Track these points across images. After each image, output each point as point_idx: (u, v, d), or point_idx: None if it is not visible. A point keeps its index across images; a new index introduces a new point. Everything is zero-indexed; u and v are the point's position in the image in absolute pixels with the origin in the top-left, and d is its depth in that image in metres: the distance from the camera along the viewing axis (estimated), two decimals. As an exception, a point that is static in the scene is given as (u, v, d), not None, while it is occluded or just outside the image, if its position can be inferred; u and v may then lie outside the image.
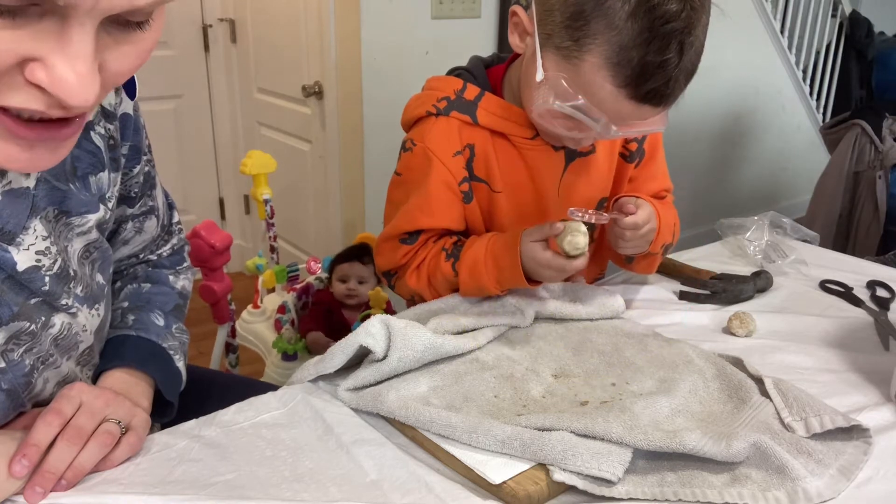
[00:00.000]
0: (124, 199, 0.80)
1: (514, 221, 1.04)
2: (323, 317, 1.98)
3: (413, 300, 1.11)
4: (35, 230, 0.65)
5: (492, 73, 1.04)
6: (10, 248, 0.63)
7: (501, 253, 0.94)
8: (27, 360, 0.67)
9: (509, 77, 1.02)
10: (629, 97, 0.82)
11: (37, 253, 0.65)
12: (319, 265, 2.12)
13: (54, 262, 0.67)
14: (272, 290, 2.09)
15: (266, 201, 1.99)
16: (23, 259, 0.64)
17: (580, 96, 0.83)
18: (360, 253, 1.96)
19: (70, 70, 0.45)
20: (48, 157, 0.53)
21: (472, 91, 1.00)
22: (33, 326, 0.66)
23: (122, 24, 0.48)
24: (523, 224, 1.04)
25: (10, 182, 0.62)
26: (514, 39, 0.93)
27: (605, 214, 0.94)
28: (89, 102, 0.47)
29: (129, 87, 0.74)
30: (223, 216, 3.17)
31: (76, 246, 0.70)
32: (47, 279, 0.66)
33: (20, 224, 0.63)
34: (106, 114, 0.73)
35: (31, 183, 0.64)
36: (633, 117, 0.85)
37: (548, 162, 1.02)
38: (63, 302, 0.69)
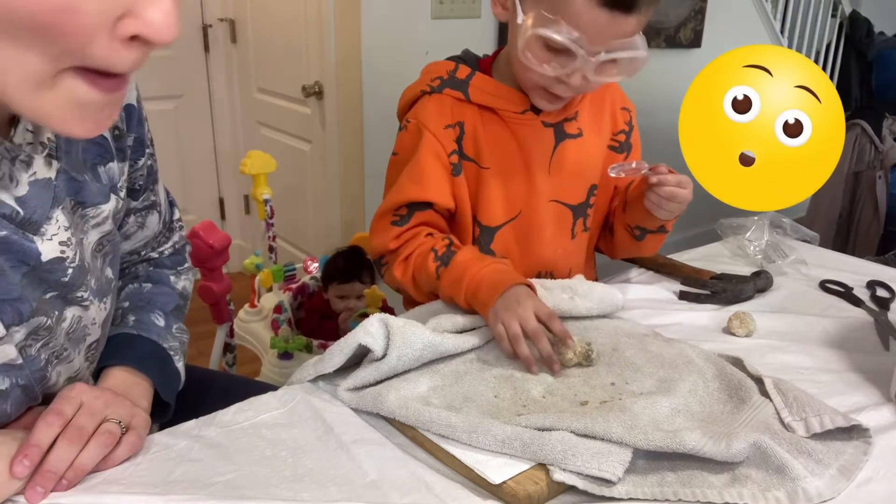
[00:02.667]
0: (129, 192, 0.81)
1: (503, 198, 1.07)
2: (318, 324, 1.97)
3: (399, 292, 1.14)
4: (57, 220, 0.66)
5: (482, 61, 1.11)
6: (35, 239, 0.64)
7: (488, 284, 0.91)
8: (43, 355, 0.67)
9: (498, 61, 1.09)
10: (600, 4, 0.87)
11: (60, 244, 0.66)
12: (316, 264, 2.12)
13: (76, 254, 0.68)
14: (269, 290, 2.09)
15: (266, 201, 1.98)
16: (47, 249, 0.65)
17: (559, 18, 0.88)
18: (358, 270, 1.93)
19: (159, 10, 0.48)
20: (109, 118, 0.56)
21: (463, 71, 1.06)
22: (50, 321, 0.67)
23: None
24: (511, 202, 1.07)
25: (36, 173, 0.64)
26: (496, 10, 1.00)
27: (645, 165, 1.02)
28: (176, 35, 0.50)
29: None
30: (223, 216, 3.17)
31: (91, 238, 0.71)
32: (70, 271, 0.67)
33: (45, 214, 0.64)
34: None
35: (52, 174, 0.65)
36: (610, 30, 0.89)
37: (538, 138, 1.07)
38: (79, 294, 0.70)
